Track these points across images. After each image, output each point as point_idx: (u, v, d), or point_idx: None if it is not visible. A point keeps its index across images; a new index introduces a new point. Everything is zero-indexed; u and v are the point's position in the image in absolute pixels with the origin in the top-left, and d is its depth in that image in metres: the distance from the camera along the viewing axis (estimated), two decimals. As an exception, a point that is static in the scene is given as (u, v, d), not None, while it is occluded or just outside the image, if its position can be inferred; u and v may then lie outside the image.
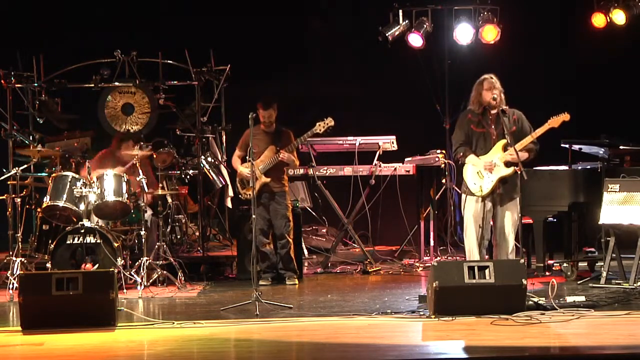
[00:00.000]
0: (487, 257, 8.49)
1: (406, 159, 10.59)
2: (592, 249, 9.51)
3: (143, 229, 9.11)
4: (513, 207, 8.26)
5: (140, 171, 9.26)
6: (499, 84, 8.30)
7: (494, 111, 8.29)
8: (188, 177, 10.87)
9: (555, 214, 9.28)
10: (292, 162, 9.38)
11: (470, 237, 8.32)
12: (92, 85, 10.70)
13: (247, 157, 8.93)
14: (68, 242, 8.90)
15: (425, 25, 11.43)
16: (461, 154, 8.39)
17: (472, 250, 8.30)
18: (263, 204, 9.31)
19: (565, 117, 8.16)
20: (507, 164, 8.22)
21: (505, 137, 8.17)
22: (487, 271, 7.22)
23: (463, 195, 8.45)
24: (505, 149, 8.23)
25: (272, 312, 7.68)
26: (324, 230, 11.74)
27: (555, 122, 8.17)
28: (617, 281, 8.51)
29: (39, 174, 10.02)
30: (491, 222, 8.35)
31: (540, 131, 8.21)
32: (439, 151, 10.61)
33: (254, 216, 8.25)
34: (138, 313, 7.77)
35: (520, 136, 8.22)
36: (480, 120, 8.33)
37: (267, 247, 9.41)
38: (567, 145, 9.52)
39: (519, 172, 8.01)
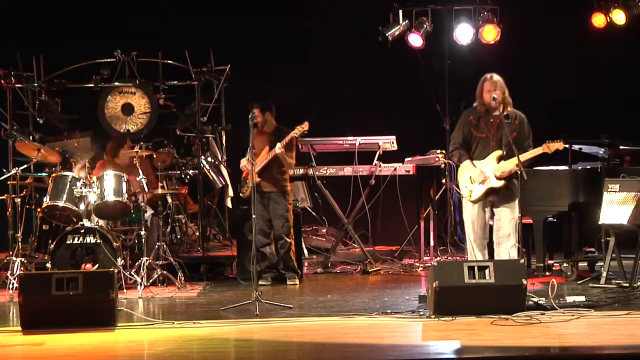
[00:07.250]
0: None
1: (406, 159, 10.58)
2: (592, 249, 9.51)
3: (143, 229, 9.11)
4: (511, 208, 8.18)
5: (140, 171, 9.26)
6: (501, 83, 8.20)
7: (495, 113, 8.22)
8: (188, 177, 10.87)
9: (555, 214, 9.28)
10: (283, 159, 9.19)
11: (470, 239, 8.31)
12: (92, 85, 10.70)
13: (247, 156, 8.91)
14: (68, 242, 8.91)
15: (425, 25, 11.42)
16: (456, 158, 8.36)
17: (472, 251, 8.29)
18: (263, 204, 9.29)
19: (559, 145, 8.10)
20: (498, 177, 8.18)
21: (502, 148, 8.12)
22: (487, 271, 7.22)
23: (462, 197, 8.45)
24: (499, 160, 8.19)
25: (272, 312, 7.67)
26: (324, 230, 11.74)
27: (548, 148, 8.09)
28: (617, 281, 8.50)
29: (39, 174, 10.01)
30: (491, 223, 8.34)
31: (534, 153, 8.12)
32: (439, 151, 10.59)
33: (254, 216, 8.24)
34: (138, 313, 7.77)
35: (518, 142, 8.16)
36: (482, 124, 8.25)
37: (267, 248, 9.39)
38: (567, 145, 9.51)
39: (519, 173, 8.00)
